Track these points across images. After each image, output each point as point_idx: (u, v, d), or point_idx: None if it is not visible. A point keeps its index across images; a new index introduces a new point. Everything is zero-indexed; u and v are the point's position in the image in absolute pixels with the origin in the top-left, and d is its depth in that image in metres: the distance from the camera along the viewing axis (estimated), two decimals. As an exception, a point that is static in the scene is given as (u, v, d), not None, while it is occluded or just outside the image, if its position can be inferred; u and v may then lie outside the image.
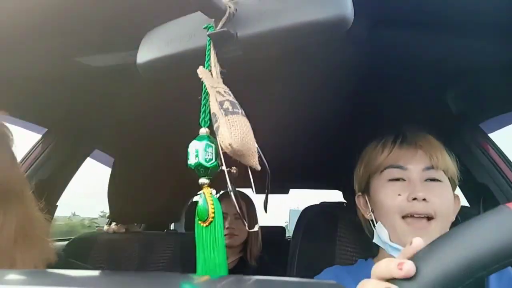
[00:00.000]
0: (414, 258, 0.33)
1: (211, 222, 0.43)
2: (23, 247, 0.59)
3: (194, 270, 0.44)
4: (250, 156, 0.42)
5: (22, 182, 0.64)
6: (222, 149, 0.42)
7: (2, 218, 0.57)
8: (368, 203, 0.79)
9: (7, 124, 0.63)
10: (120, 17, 0.69)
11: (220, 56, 0.47)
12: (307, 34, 0.43)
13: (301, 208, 1.07)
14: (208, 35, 0.45)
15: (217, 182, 0.46)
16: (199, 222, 0.44)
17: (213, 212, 0.43)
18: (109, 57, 0.83)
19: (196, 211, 0.44)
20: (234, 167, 0.44)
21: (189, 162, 0.43)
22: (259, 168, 0.43)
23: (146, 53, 0.52)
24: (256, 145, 0.43)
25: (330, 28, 0.41)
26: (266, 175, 0.45)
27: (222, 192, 1.55)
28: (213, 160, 0.43)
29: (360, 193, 0.82)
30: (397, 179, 0.73)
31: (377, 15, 0.69)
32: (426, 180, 0.72)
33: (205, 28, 0.46)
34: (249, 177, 0.44)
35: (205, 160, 0.43)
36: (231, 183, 0.44)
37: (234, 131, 0.41)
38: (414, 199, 0.68)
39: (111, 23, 0.71)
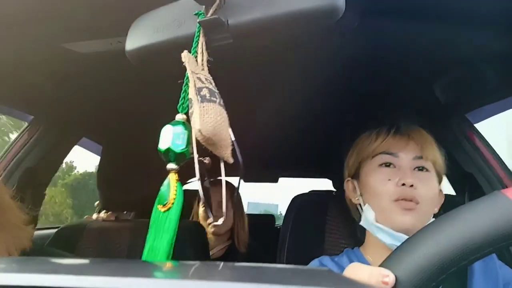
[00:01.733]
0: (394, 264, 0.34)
1: (170, 208, 0.42)
2: None
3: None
4: (223, 147, 0.42)
5: None
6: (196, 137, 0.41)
7: None
8: (356, 187, 0.82)
9: None
10: (108, 2, 0.68)
11: (209, 44, 0.47)
12: (298, 22, 0.43)
13: (261, 201, 1.09)
14: (199, 22, 0.45)
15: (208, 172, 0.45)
16: (158, 206, 0.43)
17: (174, 199, 0.43)
18: (97, 43, 0.81)
19: (158, 195, 0.43)
20: (207, 158, 0.43)
21: (159, 146, 0.43)
22: (231, 161, 0.43)
23: (135, 40, 0.51)
24: (232, 138, 0.42)
25: (321, 17, 0.41)
26: (240, 167, 0.44)
27: (211, 179, 1.56)
28: (184, 146, 0.42)
29: (349, 178, 0.85)
30: (388, 165, 0.76)
31: (367, 4, 0.69)
32: (415, 169, 0.75)
33: (195, 14, 0.46)
34: (238, 167, 0.43)
35: (175, 145, 0.42)
36: (200, 172, 0.43)
37: (207, 118, 0.40)
38: (403, 184, 0.72)
39: (99, 8, 0.69)
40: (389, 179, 0.74)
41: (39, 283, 0.19)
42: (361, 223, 0.79)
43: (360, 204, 0.80)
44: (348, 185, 0.85)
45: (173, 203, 0.42)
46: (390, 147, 0.77)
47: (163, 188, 0.43)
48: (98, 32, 0.78)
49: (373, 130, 0.82)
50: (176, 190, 0.43)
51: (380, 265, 0.35)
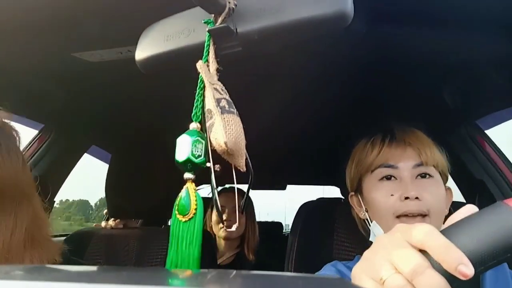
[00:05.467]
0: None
1: (192, 218, 0.43)
2: (31, 248, 0.59)
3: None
4: (239, 157, 0.42)
5: (31, 184, 0.64)
6: (211, 146, 0.42)
7: (13, 221, 0.57)
8: (361, 202, 0.79)
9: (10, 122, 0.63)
10: (118, 12, 0.69)
11: (219, 52, 0.47)
12: (307, 30, 0.43)
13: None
14: (208, 31, 0.45)
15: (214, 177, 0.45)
16: (178, 216, 0.43)
17: (195, 208, 0.43)
18: (107, 52, 0.82)
19: (177, 205, 0.44)
20: (217, 165, 0.44)
21: (176, 157, 0.43)
22: (244, 169, 0.43)
23: (145, 48, 0.52)
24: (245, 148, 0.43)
25: (330, 24, 0.41)
26: (250, 175, 0.45)
27: (221, 188, 1.56)
28: (202, 156, 0.42)
29: (353, 193, 0.83)
30: (388, 178, 0.73)
31: (375, 10, 0.69)
32: (417, 177, 0.72)
33: (205, 23, 0.46)
34: (249, 174, 0.44)
35: (194, 155, 0.42)
36: (215, 180, 0.44)
37: (229, 130, 0.40)
38: (407, 198, 0.69)
39: (109, 17, 0.70)
40: (392, 194, 0.71)
41: None
42: (370, 239, 0.76)
43: (366, 220, 0.77)
44: (353, 200, 0.82)
45: (194, 213, 0.43)
46: (388, 158, 0.74)
47: (181, 198, 0.44)
48: (108, 41, 0.79)
49: (367, 138, 0.79)
50: (196, 200, 0.43)
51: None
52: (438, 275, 0.31)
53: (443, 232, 0.34)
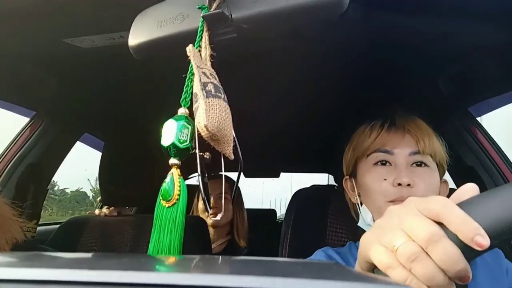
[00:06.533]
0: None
1: (175, 203, 0.43)
2: None
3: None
4: (225, 144, 0.42)
5: None
6: (198, 132, 0.41)
7: None
8: (354, 186, 0.79)
9: None
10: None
11: (213, 38, 0.46)
12: (302, 16, 0.42)
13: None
14: (202, 17, 0.45)
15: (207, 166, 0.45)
16: (162, 201, 0.43)
17: (178, 194, 0.43)
18: (99, 38, 0.81)
19: (161, 190, 0.44)
20: (207, 153, 0.44)
21: (162, 142, 0.43)
22: (232, 157, 0.43)
23: (138, 34, 0.51)
24: (234, 134, 0.42)
25: (326, 11, 0.41)
26: (239, 163, 0.45)
27: (211, 174, 1.56)
28: (187, 142, 0.42)
29: (347, 177, 0.83)
30: (383, 164, 0.73)
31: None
32: (412, 164, 0.72)
33: (199, 8, 0.45)
34: (238, 162, 0.43)
35: (179, 140, 0.42)
36: (201, 167, 0.43)
37: (212, 114, 0.40)
38: (399, 184, 0.68)
39: (101, 2, 0.69)
40: (385, 179, 0.71)
41: (45, 277, 0.19)
42: (359, 223, 0.77)
43: (358, 204, 0.78)
44: (347, 184, 0.83)
45: (178, 199, 0.43)
46: (385, 143, 0.74)
47: (166, 184, 0.43)
48: (100, 27, 0.78)
49: (368, 123, 0.79)
50: (180, 186, 0.43)
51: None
52: (453, 245, 0.31)
53: (458, 205, 0.34)
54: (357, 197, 0.78)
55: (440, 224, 0.33)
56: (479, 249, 0.31)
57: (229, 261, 0.27)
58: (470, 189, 0.36)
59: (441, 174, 0.76)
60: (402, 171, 0.70)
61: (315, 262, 0.34)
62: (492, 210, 0.32)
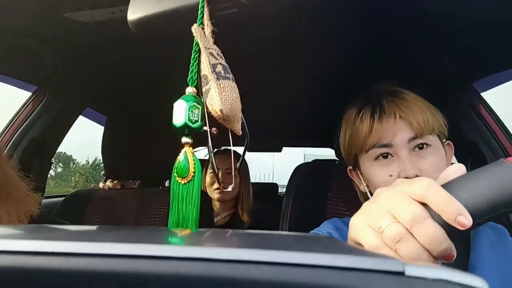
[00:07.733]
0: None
1: (191, 180, 0.45)
2: (7, 202, 0.64)
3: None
4: (235, 122, 0.43)
5: None
6: (207, 111, 0.43)
7: None
8: (361, 177, 0.77)
9: None
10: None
11: (213, 13, 0.46)
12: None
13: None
14: (202, -9, 0.44)
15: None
16: (177, 179, 0.45)
17: (194, 171, 0.44)
18: (98, 12, 0.80)
19: (176, 168, 0.45)
20: (214, 128, 0.45)
21: (174, 122, 0.43)
22: (240, 133, 0.44)
23: (137, 9, 0.50)
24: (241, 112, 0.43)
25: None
26: (246, 138, 0.46)
27: (216, 150, 1.57)
28: (199, 121, 0.43)
29: (350, 167, 0.81)
30: (385, 157, 0.71)
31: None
32: (414, 148, 0.70)
33: (198, -18, 0.45)
34: (245, 137, 0.44)
35: (190, 121, 0.43)
36: (212, 142, 0.45)
37: (225, 97, 0.41)
38: (406, 177, 0.66)
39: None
40: (391, 175, 0.69)
41: (55, 249, 0.19)
42: None
43: (368, 193, 0.76)
44: (352, 174, 0.81)
45: (193, 176, 0.44)
46: (381, 136, 0.71)
47: (180, 161, 0.45)
48: (99, 1, 0.76)
49: (355, 109, 0.76)
50: (194, 163, 0.45)
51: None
52: (437, 225, 0.32)
53: (443, 186, 0.35)
54: (365, 187, 0.76)
55: (425, 205, 0.34)
56: (462, 228, 0.32)
57: (226, 234, 0.28)
58: (456, 170, 0.37)
59: (443, 139, 0.74)
60: (406, 163, 0.68)
61: (308, 236, 0.34)
62: (475, 190, 0.33)
